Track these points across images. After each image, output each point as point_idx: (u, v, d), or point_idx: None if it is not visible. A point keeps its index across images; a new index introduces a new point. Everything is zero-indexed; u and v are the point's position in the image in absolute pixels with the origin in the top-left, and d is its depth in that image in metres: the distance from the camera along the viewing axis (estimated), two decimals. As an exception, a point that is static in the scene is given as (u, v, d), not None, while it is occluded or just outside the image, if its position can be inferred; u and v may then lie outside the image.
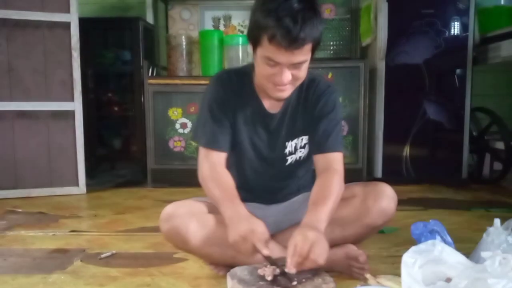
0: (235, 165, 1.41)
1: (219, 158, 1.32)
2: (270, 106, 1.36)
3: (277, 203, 1.47)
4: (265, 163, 1.40)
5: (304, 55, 1.15)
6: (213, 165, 1.30)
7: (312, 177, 1.49)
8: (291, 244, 1.09)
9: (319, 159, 1.34)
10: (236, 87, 1.34)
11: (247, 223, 1.14)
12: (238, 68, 1.43)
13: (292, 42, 1.10)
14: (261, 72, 1.21)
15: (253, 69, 1.33)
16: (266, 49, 1.14)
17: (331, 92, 1.36)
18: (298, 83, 1.25)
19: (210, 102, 1.33)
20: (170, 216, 1.27)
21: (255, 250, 1.11)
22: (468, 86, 2.87)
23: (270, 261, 1.11)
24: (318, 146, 1.35)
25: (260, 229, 1.14)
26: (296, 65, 1.17)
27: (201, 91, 2.85)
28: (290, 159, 1.40)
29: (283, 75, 1.17)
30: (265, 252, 1.10)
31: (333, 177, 1.27)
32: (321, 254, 1.07)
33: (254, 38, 1.18)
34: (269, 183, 1.44)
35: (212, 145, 1.32)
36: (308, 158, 1.43)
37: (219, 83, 1.34)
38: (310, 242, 1.06)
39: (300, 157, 1.41)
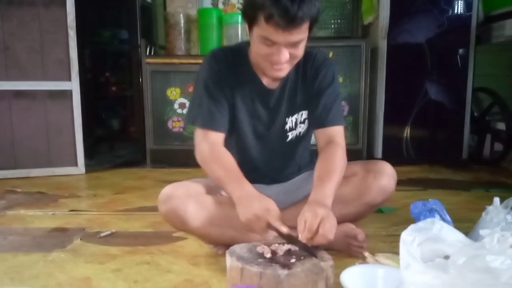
0: (235, 145, 1.39)
1: (218, 138, 1.29)
2: (268, 82, 1.34)
3: (278, 183, 1.47)
4: (266, 140, 1.39)
5: (301, 33, 1.13)
6: (212, 145, 1.26)
7: (311, 156, 1.48)
8: (300, 220, 1.10)
9: (321, 134, 1.33)
10: (232, 64, 1.31)
11: (259, 201, 1.13)
12: (233, 45, 1.40)
13: (290, 21, 1.07)
14: (258, 51, 1.19)
15: (248, 47, 1.30)
16: (263, 28, 1.11)
17: (329, 65, 1.35)
18: (296, 61, 1.23)
19: (206, 81, 1.29)
20: (168, 197, 1.26)
21: (268, 228, 1.12)
22: (471, 66, 2.83)
23: (288, 238, 1.11)
24: (319, 120, 1.33)
25: (273, 207, 1.13)
26: (293, 44, 1.15)
27: (200, 71, 2.85)
28: (290, 135, 1.39)
29: (280, 54, 1.15)
30: (284, 229, 1.11)
31: (336, 151, 1.27)
32: (330, 229, 1.08)
33: (250, 17, 1.15)
34: (270, 162, 1.43)
35: (210, 125, 1.28)
36: (307, 134, 1.42)
37: (214, 61, 1.30)
38: (319, 217, 1.08)
39: (300, 132, 1.40)
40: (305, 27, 1.12)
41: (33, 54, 2.63)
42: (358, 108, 2.93)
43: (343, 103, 2.93)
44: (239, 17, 2.98)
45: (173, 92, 2.90)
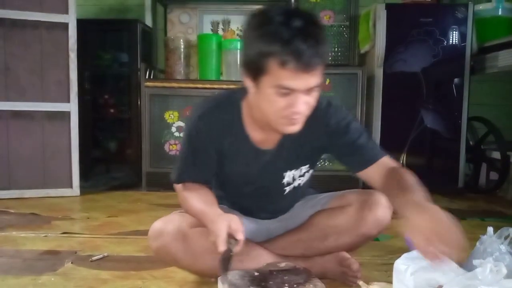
0: (229, 190, 1.35)
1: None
2: (262, 141, 1.23)
3: (272, 219, 1.44)
4: (260, 193, 1.33)
5: (318, 77, 1.04)
6: (186, 185, 1.26)
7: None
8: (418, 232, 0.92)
9: (371, 172, 1.22)
10: (222, 125, 1.20)
11: (221, 219, 1.11)
12: (224, 100, 1.25)
13: (309, 63, 0.99)
14: (272, 106, 1.06)
15: (241, 101, 1.21)
16: (278, 76, 1.01)
17: (336, 109, 1.23)
18: (308, 112, 1.11)
19: (192, 142, 1.22)
20: (159, 234, 1.22)
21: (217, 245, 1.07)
22: (466, 95, 2.87)
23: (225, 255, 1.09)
24: (360, 164, 1.23)
25: (229, 218, 1.11)
26: (310, 91, 1.05)
27: (198, 95, 2.89)
28: (288, 189, 1.33)
29: (300, 103, 1.04)
30: (221, 248, 1.06)
31: (401, 171, 1.16)
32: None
33: (257, 67, 1.03)
34: (264, 208, 1.39)
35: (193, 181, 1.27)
36: (305, 183, 1.36)
37: (202, 123, 1.20)
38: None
39: (299, 184, 1.34)
40: (319, 70, 1.04)
41: (33, 75, 2.65)
42: (355, 135, 2.94)
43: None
44: (238, 44, 3.03)
45: (171, 116, 2.92)
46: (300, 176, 1.31)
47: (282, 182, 1.30)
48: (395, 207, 1.09)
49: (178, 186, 1.28)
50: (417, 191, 1.06)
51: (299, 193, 1.40)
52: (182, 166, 1.26)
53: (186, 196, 1.25)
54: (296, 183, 1.33)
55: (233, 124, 1.21)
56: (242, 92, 1.19)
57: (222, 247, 1.06)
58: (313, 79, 1.03)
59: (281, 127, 1.11)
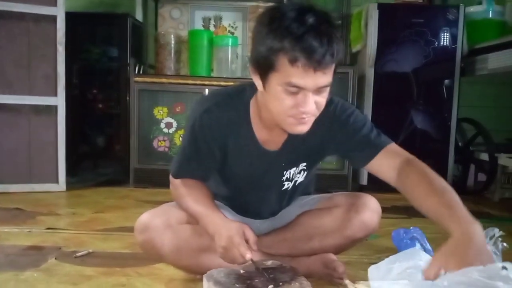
0: (230, 188, 1.33)
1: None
2: (268, 141, 1.21)
3: (265, 219, 1.42)
4: (259, 189, 1.31)
5: (329, 76, 1.01)
6: (185, 180, 1.24)
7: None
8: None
9: (380, 163, 1.18)
10: (228, 122, 1.16)
11: (226, 230, 1.11)
12: (233, 95, 1.20)
13: (320, 61, 0.95)
14: (280, 105, 1.02)
15: (251, 96, 1.18)
16: (287, 74, 0.97)
17: (338, 103, 1.22)
18: (318, 113, 1.07)
19: (194, 137, 1.17)
20: (145, 228, 1.19)
21: (242, 254, 1.08)
22: (455, 96, 2.90)
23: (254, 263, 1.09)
24: (366, 155, 1.19)
25: (234, 231, 1.11)
26: (319, 90, 1.02)
27: (188, 91, 2.87)
28: (286, 185, 1.31)
29: (308, 102, 1.00)
30: (248, 255, 1.07)
31: (421, 166, 1.12)
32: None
33: (266, 64, 1.00)
34: (262, 206, 1.37)
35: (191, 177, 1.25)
36: (304, 181, 1.35)
37: (207, 118, 1.14)
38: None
39: (296, 181, 1.32)
40: (331, 69, 1.00)
41: (20, 68, 2.61)
42: (345, 134, 2.94)
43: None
44: (230, 40, 3.01)
45: (160, 111, 2.89)
46: (298, 173, 1.30)
47: (282, 180, 1.28)
48: (420, 208, 1.04)
49: (175, 180, 1.25)
50: (448, 195, 1.01)
51: (296, 194, 1.39)
52: (182, 161, 1.23)
53: (183, 193, 1.23)
54: (294, 180, 1.31)
55: (239, 122, 1.17)
56: (252, 90, 1.16)
57: (246, 256, 1.08)
58: (323, 78, 0.99)
59: (289, 127, 1.07)
